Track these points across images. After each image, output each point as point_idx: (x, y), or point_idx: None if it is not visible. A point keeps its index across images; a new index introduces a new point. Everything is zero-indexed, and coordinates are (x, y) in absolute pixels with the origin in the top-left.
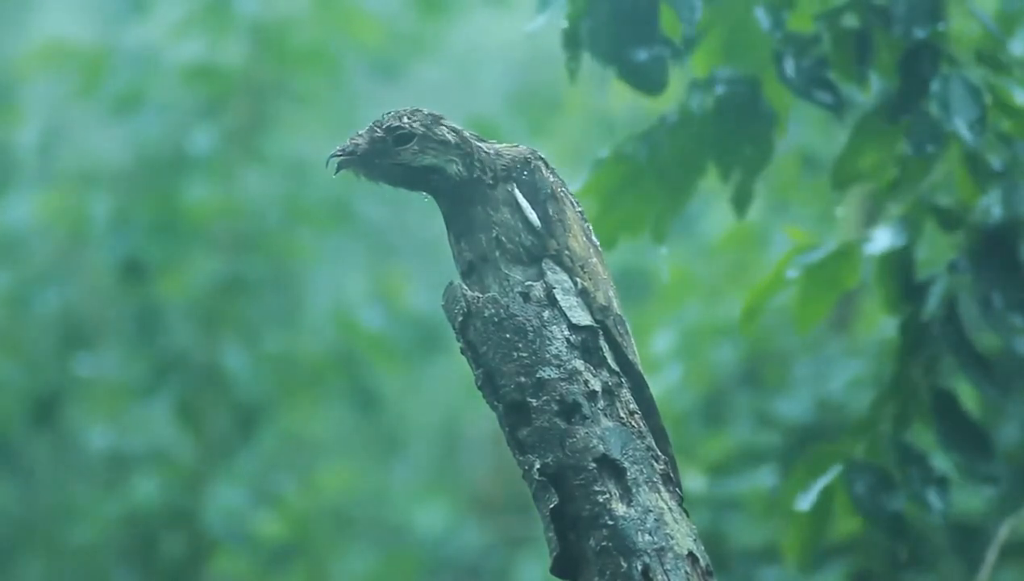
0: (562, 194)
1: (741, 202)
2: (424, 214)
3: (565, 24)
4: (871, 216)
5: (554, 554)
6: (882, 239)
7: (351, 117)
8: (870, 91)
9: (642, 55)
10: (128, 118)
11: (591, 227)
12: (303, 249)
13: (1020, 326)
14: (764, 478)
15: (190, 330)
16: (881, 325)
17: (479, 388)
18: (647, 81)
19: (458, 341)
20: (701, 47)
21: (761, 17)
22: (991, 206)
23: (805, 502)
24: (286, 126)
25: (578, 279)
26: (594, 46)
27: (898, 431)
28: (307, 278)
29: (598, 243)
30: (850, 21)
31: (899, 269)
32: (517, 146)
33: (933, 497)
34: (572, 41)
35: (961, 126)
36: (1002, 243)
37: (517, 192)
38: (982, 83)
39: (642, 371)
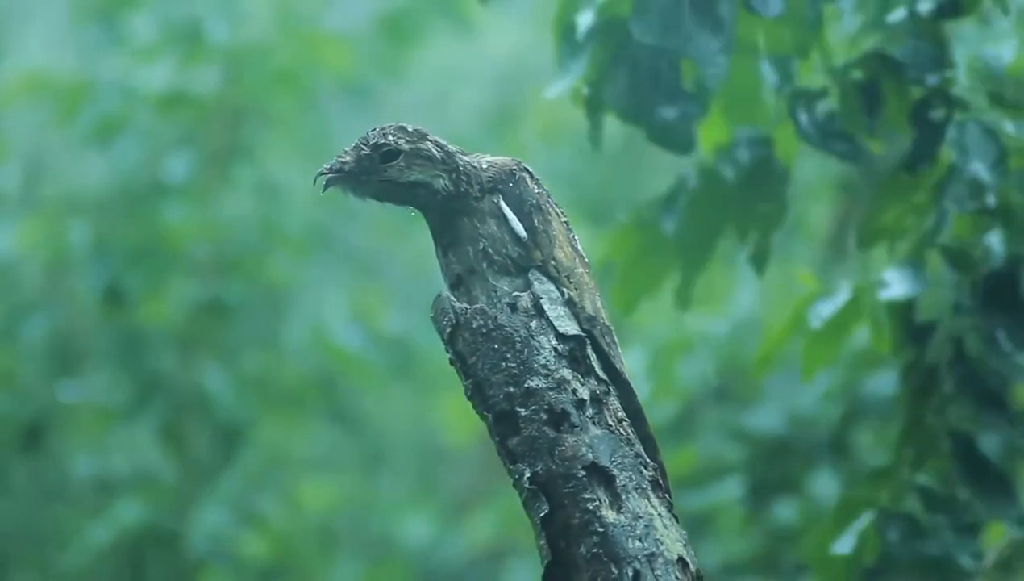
0: (547, 205)
1: (760, 260)
2: (401, 234)
3: (586, 90)
4: (844, 223)
5: (546, 562)
6: (898, 285)
7: (324, 140)
8: (880, 145)
9: (670, 113)
10: (106, 146)
11: (577, 237)
12: (281, 271)
13: None
14: (731, 490)
15: (171, 353)
16: (853, 339)
17: (468, 398)
18: (677, 141)
19: (447, 352)
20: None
21: (767, 72)
22: (993, 245)
23: (844, 546)
24: (261, 150)
25: (565, 289)
26: (619, 108)
27: (918, 476)
28: (286, 300)
29: (584, 253)
30: (857, 74)
31: (902, 311)
32: (502, 158)
33: (963, 543)
34: (594, 107)
35: (981, 169)
36: (1007, 283)
37: (503, 204)
38: (997, 126)
39: (630, 380)
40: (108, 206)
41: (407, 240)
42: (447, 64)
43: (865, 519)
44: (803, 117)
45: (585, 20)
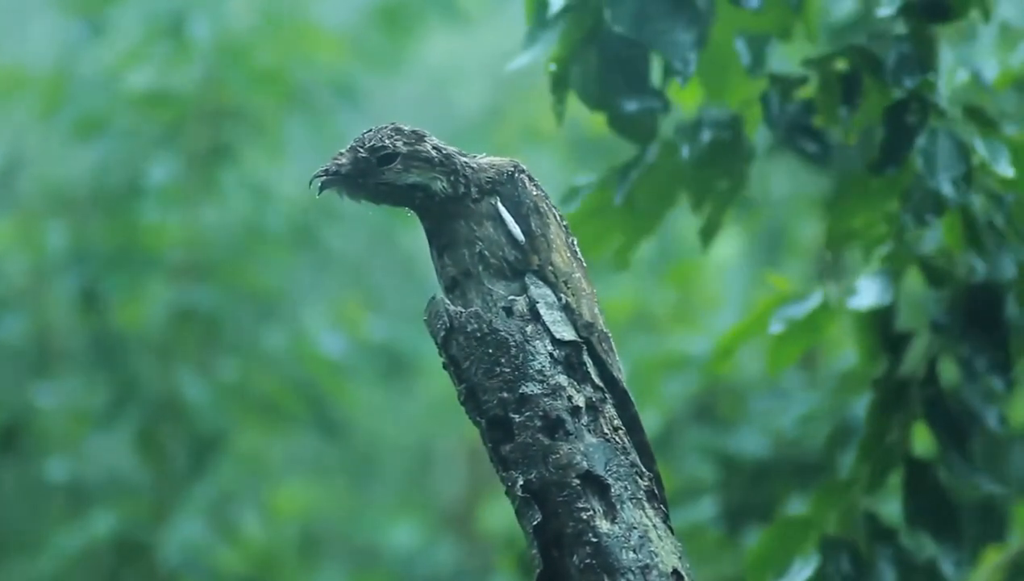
0: (546, 208)
1: (709, 234)
2: (388, 237)
3: (553, 67)
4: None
5: (537, 572)
6: (867, 293)
7: (312, 140)
8: (854, 138)
9: (632, 105)
10: (86, 145)
11: (576, 242)
12: (263, 276)
13: (1001, 389)
14: (707, 512)
15: (149, 359)
16: (839, 358)
17: (462, 404)
18: (637, 131)
19: (440, 356)
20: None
21: (742, 52)
22: (975, 263)
23: None
24: (245, 151)
25: (562, 294)
26: (583, 92)
27: (870, 501)
28: (268, 306)
29: (583, 258)
30: (839, 64)
31: (879, 321)
32: (501, 159)
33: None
34: (560, 84)
35: (945, 183)
36: (986, 302)
37: (501, 206)
38: (969, 140)
39: (627, 388)
40: (86, 206)
41: (393, 243)
42: (440, 62)
43: (811, 560)
44: (774, 104)
45: None
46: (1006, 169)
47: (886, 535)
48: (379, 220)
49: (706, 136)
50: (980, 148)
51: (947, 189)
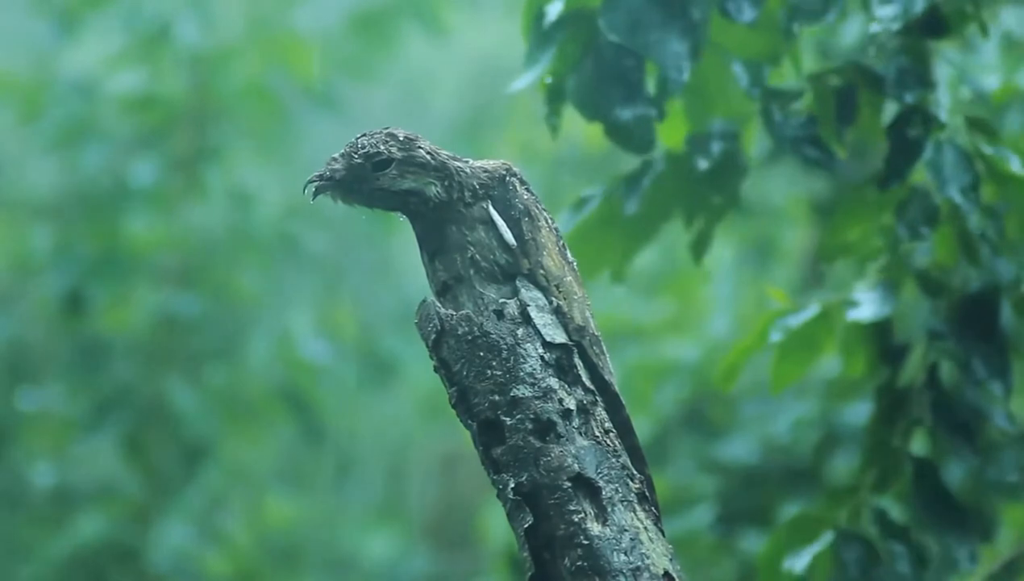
0: (537, 212)
1: (700, 248)
2: (369, 240)
3: (548, 79)
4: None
5: (529, 574)
6: (867, 306)
7: (293, 147)
8: (846, 151)
9: (627, 114)
10: (69, 149)
11: (566, 245)
12: (247, 281)
13: (1000, 394)
14: (701, 519)
15: (134, 365)
16: (827, 365)
17: (453, 406)
18: (633, 140)
19: (431, 359)
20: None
21: (740, 74)
22: (969, 273)
23: (798, 563)
24: (229, 157)
25: (553, 298)
26: (580, 102)
27: (878, 501)
28: (252, 312)
29: (574, 262)
30: (834, 80)
31: (877, 332)
32: (493, 162)
33: (918, 574)
34: (555, 96)
35: (955, 193)
36: (983, 309)
37: (492, 210)
38: (973, 150)
39: (618, 391)
40: (70, 211)
41: (375, 245)
42: (420, 65)
43: (824, 539)
44: (777, 115)
45: (554, 9)
46: (1020, 169)
47: (898, 532)
48: (358, 224)
49: (716, 147)
50: (990, 152)
51: (958, 199)
